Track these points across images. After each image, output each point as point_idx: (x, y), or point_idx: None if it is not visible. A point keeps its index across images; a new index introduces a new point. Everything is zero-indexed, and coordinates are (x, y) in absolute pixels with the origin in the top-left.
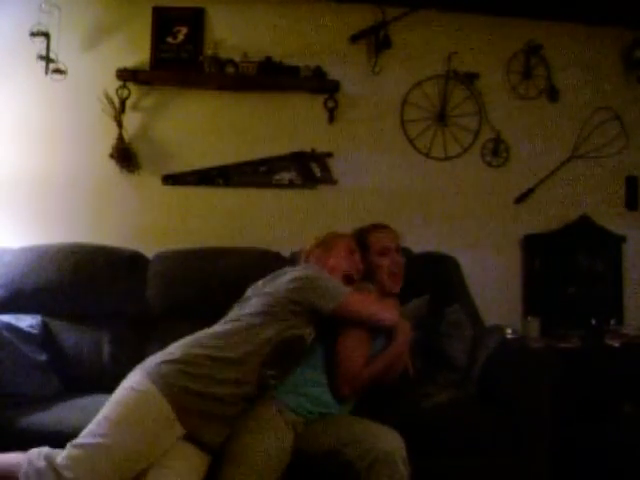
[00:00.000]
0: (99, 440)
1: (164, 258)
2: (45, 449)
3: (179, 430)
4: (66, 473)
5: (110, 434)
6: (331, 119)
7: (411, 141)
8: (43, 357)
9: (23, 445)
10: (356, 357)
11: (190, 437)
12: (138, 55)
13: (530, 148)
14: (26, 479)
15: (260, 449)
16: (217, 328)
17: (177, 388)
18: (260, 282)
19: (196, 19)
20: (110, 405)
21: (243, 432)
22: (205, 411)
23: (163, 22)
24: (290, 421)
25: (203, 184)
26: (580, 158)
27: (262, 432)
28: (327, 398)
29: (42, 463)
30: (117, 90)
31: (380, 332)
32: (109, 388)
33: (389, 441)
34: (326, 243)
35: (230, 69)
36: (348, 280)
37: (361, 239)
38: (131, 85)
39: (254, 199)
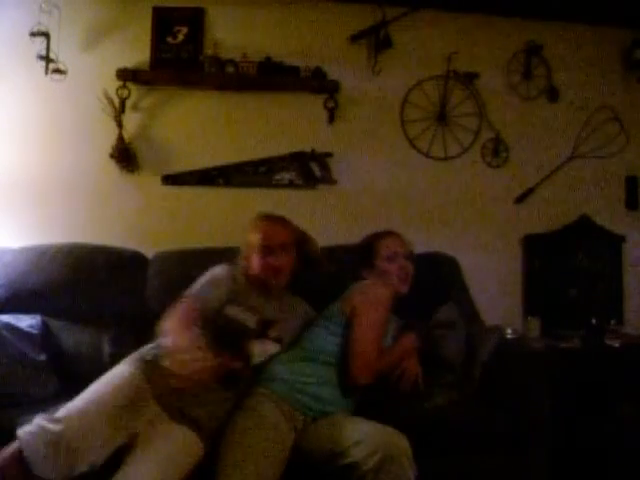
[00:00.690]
0: (77, 399)
1: (164, 258)
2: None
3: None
4: (55, 426)
5: (86, 392)
6: (331, 119)
7: (411, 141)
8: (43, 357)
9: None
10: (371, 345)
11: (177, 416)
12: (138, 55)
13: (530, 148)
14: (27, 445)
15: (258, 444)
16: None
17: (149, 363)
18: None
19: (196, 19)
20: None
21: (241, 427)
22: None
23: (163, 22)
24: (289, 417)
25: (203, 184)
26: (580, 158)
27: (260, 428)
28: (327, 395)
29: (34, 428)
30: (117, 90)
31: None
32: None
33: (396, 442)
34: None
35: (230, 69)
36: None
37: (369, 245)
38: (131, 85)
39: (254, 199)
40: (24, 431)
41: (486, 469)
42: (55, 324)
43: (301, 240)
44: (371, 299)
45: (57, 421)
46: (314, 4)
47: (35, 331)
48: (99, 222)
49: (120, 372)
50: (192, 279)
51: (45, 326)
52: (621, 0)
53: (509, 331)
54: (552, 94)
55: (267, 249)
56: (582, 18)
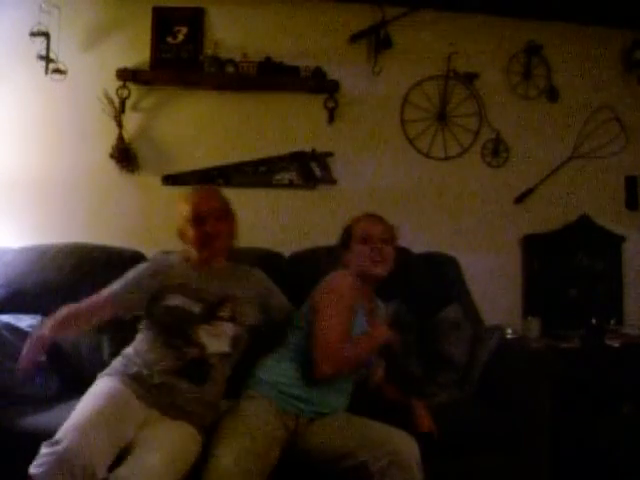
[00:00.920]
0: (71, 418)
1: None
2: None
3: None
4: (58, 447)
5: (77, 409)
6: (331, 119)
7: (411, 141)
8: (43, 357)
9: (23, 445)
10: (332, 333)
11: (171, 412)
12: (138, 55)
13: (530, 148)
14: (41, 477)
15: (244, 445)
16: None
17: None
18: None
19: (196, 19)
20: None
21: (227, 429)
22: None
23: (163, 22)
24: (279, 418)
25: (203, 184)
26: (580, 158)
27: (247, 429)
28: (316, 396)
29: (41, 459)
30: (117, 90)
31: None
32: None
33: (404, 445)
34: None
35: (230, 69)
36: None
37: (348, 229)
38: (131, 85)
39: (254, 199)
40: (34, 466)
41: (486, 469)
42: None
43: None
44: (329, 290)
45: (58, 442)
46: (314, 4)
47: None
48: (99, 222)
49: (102, 385)
50: None
51: None
52: (621, 0)
53: (509, 331)
54: (552, 94)
55: (199, 219)
56: (582, 18)
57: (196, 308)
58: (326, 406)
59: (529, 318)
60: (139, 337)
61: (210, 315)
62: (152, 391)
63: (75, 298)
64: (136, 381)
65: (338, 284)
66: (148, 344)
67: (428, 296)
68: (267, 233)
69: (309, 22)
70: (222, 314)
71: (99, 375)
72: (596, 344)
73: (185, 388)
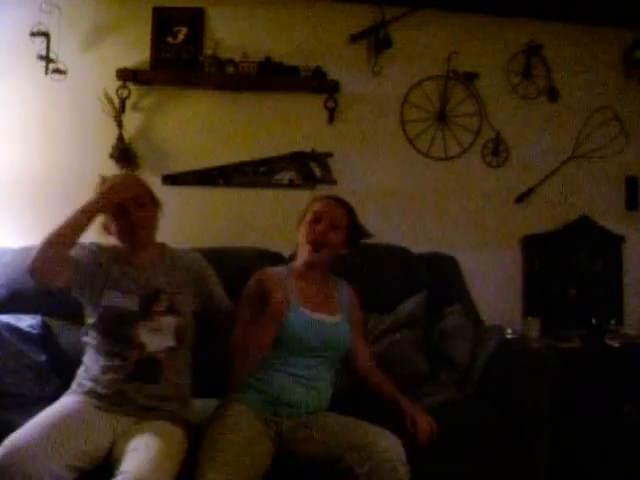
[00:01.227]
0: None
1: None
2: None
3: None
4: None
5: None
6: (331, 119)
7: (411, 141)
8: (43, 357)
9: None
10: (241, 340)
11: (149, 415)
12: (138, 55)
13: (530, 148)
14: None
15: (229, 446)
16: None
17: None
18: None
19: (196, 19)
20: None
21: (211, 434)
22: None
23: (163, 22)
24: (262, 421)
25: (203, 184)
26: (580, 158)
27: (230, 432)
28: (296, 397)
29: None
30: (117, 90)
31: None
32: None
33: (389, 446)
34: None
35: (230, 69)
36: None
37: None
38: (131, 85)
39: (254, 199)
40: None
41: (486, 469)
42: (55, 324)
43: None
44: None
45: None
46: (314, 4)
47: (35, 331)
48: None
49: (59, 402)
50: None
51: (45, 326)
52: (621, 0)
53: (509, 331)
54: (552, 94)
55: (120, 209)
56: (582, 18)
57: (132, 305)
58: (309, 406)
59: (529, 318)
60: (87, 353)
61: (147, 310)
62: (110, 401)
63: (75, 298)
64: (92, 396)
65: (246, 287)
66: (94, 357)
67: (428, 296)
68: (267, 233)
69: (309, 22)
70: (158, 308)
71: (64, 395)
72: (596, 344)
73: (139, 390)
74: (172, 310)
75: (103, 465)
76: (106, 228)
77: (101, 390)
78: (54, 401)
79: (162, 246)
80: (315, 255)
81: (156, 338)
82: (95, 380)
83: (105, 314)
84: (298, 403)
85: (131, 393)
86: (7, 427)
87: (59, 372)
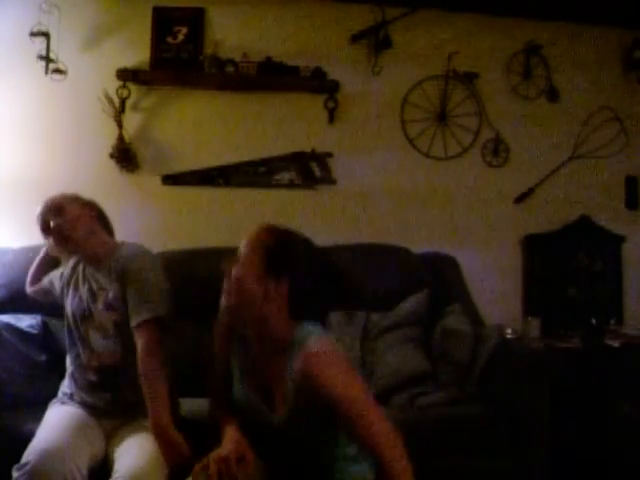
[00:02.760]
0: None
1: (164, 258)
2: None
3: None
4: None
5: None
6: (331, 119)
7: (411, 141)
8: (43, 357)
9: (22, 445)
10: None
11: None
12: (138, 55)
13: (530, 148)
14: None
15: None
16: None
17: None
18: None
19: (196, 19)
20: None
21: None
22: None
23: (163, 22)
24: None
25: (203, 184)
26: (580, 158)
27: None
28: None
29: None
30: (117, 90)
31: None
32: None
33: None
34: None
35: (230, 69)
36: None
37: None
38: (131, 85)
39: (254, 199)
40: None
41: (486, 469)
42: (55, 324)
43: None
44: None
45: (26, 464)
46: (314, 4)
47: (35, 331)
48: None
49: (55, 410)
50: (192, 279)
51: (45, 326)
52: (621, 0)
53: (509, 331)
54: (552, 94)
55: (43, 223)
56: (582, 18)
57: (80, 305)
58: None
59: (529, 318)
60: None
61: (89, 310)
62: (88, 406)
63: None
64: (76, 401)
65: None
66: (68, 364)
67: (428, 296)
68: None
69: (309, 22)
70: (97, 306)
71: (50, 404)
72: (596, 344)
73: (102, 399)
74: (108, 306)
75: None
76: (52, 252)
77: (76, 397)
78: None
79: (115, 244)
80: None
81: (100, 338)
82: (70, 387)
83: (67, 322)
84: None
85: (98, 402)
86: (7, 427)
87: (59, 372)
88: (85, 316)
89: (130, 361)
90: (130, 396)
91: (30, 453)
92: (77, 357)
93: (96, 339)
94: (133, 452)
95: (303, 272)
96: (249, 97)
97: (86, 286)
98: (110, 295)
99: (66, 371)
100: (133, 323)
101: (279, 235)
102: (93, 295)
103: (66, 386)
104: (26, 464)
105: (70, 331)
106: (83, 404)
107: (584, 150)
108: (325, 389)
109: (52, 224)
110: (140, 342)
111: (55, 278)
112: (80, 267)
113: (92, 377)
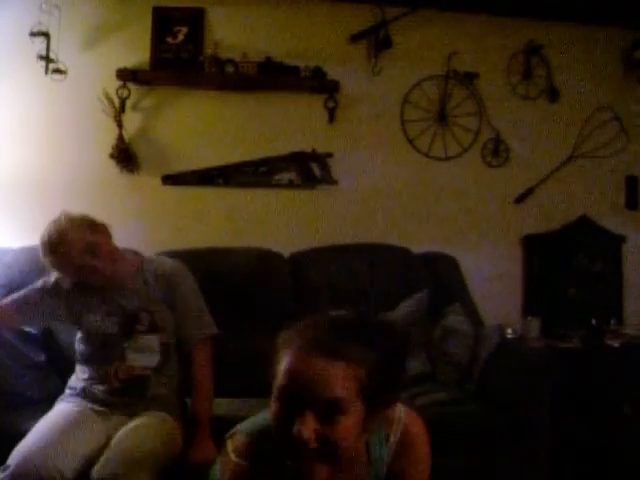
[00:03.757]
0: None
1: None
2: None
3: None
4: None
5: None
6: (331, 119)
7: (411, 141)
8: (43, 357)
9: None
10: None
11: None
12: (138, 55)
13: (530, 148)
14: None
15: None
16: None
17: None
18: None
19: (196, 19)
20: None
21: None
22: None
23: (163, 22)
24: None
25: (203, 184)
26: (580, 158)
27: None
28: None
29: None
30: (117, 90)
31: None
32: None
33: None
34: None
35: (230, 69)
36: None
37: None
38: (131, 85)
39: (254, 199)
40: None
41: (486, 469)
42: (55, 324)
43: None
44: None
45: (7, 467)
46: (314, 4)
47: (35, 331)
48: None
49: (56, 408)
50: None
51: (45, 326)
52: (621, 0)
53: (509, 331)
54: (552, 94)
55: (76, 272)
56: (582, 18)
57: (112, 328)
58: None
59: (529, 318)
60: (76, 361)
61: (129, 331)
62: (102, 404)
63: None
64: (86, 398)
65: None
66: (83, 368)
67: (427, 296)
68: (267, 233)
69: (309, 22)
70: (140, 327)
71: (57, 400)
72: (596, 344)
73: (125, 404)
74: (154, 328)
75: None
76: (64, 284)
77: (91, 396)
78: (54, 401)
79: (138, 260)
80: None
81: (142, 356)
82: (84, 389)
83: (87, 337)
84: None
85: (117, 404)
86: (7, 427)
87: (59, 372)
88: (118, 339)
89: (163, 371)
90: (153, 401)
91: (14, 456)
92: (100, 367)
93: (135, 357)
94: (127, 434)
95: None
96: (249, 97)
97: (112, 307)
98: (156, 317)
99: (75, 365)
100: (195, 338)
101: (358, 344)
102: (130, 317)
103: (74, 381)
104: (8, 466)
105: (93, 347)
106: (93, 399)
107: (584, 150)
108: (422, 465)
109: (85, 263)
110: (200, 355)
111: (43, 293)
112: (88, 288)
113: (116, 384)
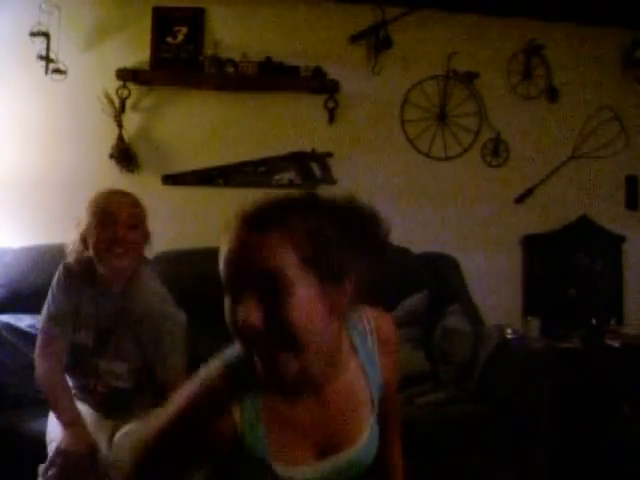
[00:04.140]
0: None
1: (164, 258)
2: None
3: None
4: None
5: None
6: (331, 119)
7: (411, 141)
8: None
9: (23, 445)
10: None
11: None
12: (138, 55)
13: (530, 148)
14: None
15: None
16: None
17: None
18: None
19: (196, 19)
20: None
21: None
22: None
23: (163, 22)
24: None
25: (203, 184)
26: (580, 158)
27: None
28: None
29: None
30: (117, 90)
31: None
32: None
33: None
34: None
35: (230, 69)
36: None
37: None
38: (131, 85)
39: (254, 199)
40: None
41: (486, 469)
42: None
43: None
44: None
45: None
46: (314, 4)
47: (35, 331)
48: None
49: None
50: (192, 280)
51: None
52: (621, 0)
53: (509, 331)
54: (552, 94)
55: (110, 217)
56: (582, 18)
57: (87, 340)
58: None
59: (529, 318)
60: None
61: (100, 348)
62: (95, 409)
63: None
64: (79, 401)
65: None
66: (70, 381)
67: (427, 296)
68: None
69: (309, 22)
70: (108, 351)
71: None
72: (596, 344)
73: (108, 417)
74: (119, 356)
75: None
76: (84, 241)
77: (83, 401)
78: None
79: (135, 272)
80: None
81: (114, 379)
82: (75, 394)
83: (70, 347)
84: None
85: (107, 412)
86: (7, 427)
87: None
88: (92, 353)
89: (142, 391)
90: (131, 409)
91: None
92: (82, 378)
93: (108, 378)
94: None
95: (370, 247)
96: (249, 97)
97: (91, 320)
98: (125, 344)
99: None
100: (166, 376)
101: (292, 213)
102: (101, 334)
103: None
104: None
105: (72, 359)
106: (87, 403)
107: (584, 150)
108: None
109: (119, 224)
110: (170, 388)
111: (66, 310)
112: (84, 293)
113: (97, 396)
